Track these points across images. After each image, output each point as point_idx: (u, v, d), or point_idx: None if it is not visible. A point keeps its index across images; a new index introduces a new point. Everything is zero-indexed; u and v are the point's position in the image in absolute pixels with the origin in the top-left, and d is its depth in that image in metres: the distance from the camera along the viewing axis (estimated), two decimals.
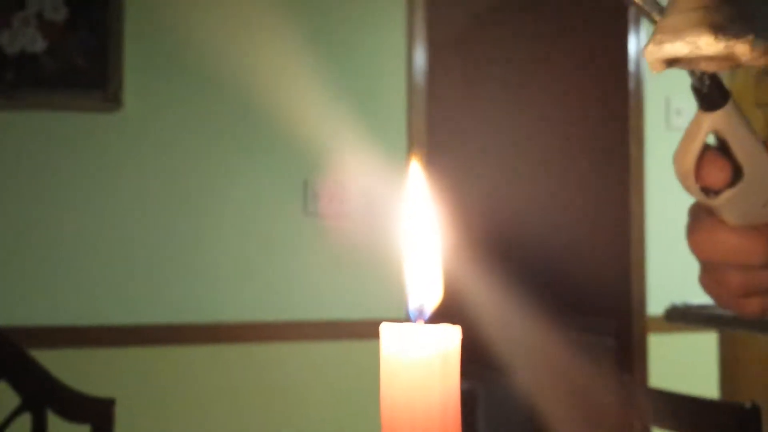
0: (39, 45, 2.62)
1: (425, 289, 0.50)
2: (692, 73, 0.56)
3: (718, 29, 0.52)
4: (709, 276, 0.62)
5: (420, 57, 2.97)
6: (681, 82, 3.59)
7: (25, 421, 1.60)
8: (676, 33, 0.52)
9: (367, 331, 2.84)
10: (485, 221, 4.64)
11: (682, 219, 0.66)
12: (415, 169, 0.50)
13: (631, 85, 3.29)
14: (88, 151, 2.71)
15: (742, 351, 3.34)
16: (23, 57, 2.61)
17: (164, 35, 2.77)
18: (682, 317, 2.78)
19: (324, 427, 2.85)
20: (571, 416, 4.04)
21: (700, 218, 0.61)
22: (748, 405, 1.67)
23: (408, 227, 0.49)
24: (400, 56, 2.98)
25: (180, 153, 2.78)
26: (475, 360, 4.44)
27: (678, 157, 0.59)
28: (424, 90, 2.96)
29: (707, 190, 0.58)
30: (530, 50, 4.18)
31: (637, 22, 3.34)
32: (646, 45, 0.54)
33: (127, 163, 2.74)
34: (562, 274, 4.39)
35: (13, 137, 2.66)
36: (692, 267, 0.67)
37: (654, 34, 0.53)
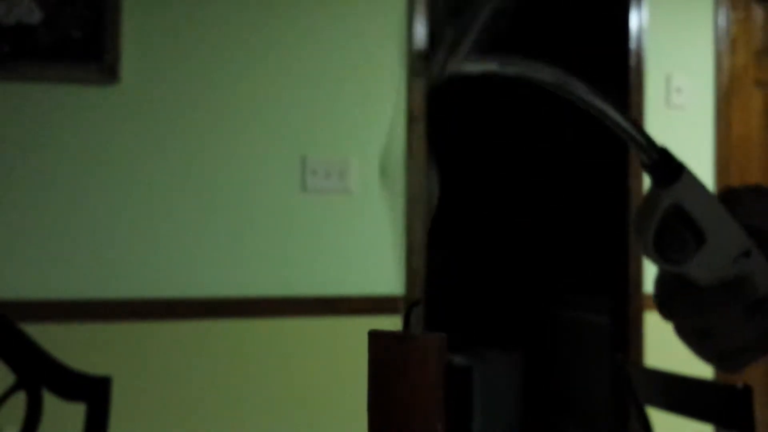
0: (35, 16, 2.60)
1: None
2: (641, 150, 0.56)
3: None
4: (687, 335, 0.61)
5: (420, 30, 2.95)
6: (682, 60, 3.54)
7: (20, 399, 1.58)
8: None
9: (365, 307, 2.85)
10: (484, 197, 4.64)
11: None
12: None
13: (632, 62, 3.27)
14: (84, 123, 2.69)
15: None
16: (19, 28, 2.59)
17: (161, 8, 2.74)
18: None
19: (320, 401, 2.85)
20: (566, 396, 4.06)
21: (667, 284, 0.60)
22: (740, 386, 1.68)
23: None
24: (400, 30, 2.95)
25: (176, 127, 2.76)
26: (471, 337, 4.46)
27: (638, 229, 0.58)
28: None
29: (672, 260, 0.58)
30: (530, 25, 4.15)
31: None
32: None
33: (122, 136, 2.72)
34: (559, 253, 4.40)
35: (8, 109, 2.63)
36: None
37: None
